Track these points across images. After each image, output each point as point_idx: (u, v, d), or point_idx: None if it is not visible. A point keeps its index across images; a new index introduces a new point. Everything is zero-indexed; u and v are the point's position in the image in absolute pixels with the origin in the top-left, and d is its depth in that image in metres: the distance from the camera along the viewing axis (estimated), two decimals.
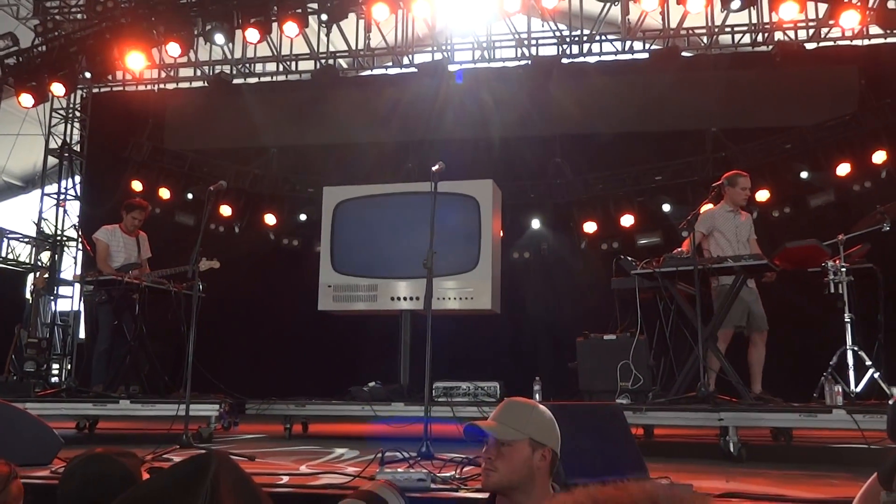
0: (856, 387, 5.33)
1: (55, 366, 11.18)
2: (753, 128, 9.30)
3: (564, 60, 10.26)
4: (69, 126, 11.66)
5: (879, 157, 8.57)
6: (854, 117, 8.80)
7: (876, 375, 5.27)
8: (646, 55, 10.02)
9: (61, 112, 11.65)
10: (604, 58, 10.28)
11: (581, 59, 10.34)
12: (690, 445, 5.93)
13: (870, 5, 8.67)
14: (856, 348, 5.42)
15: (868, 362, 5.33)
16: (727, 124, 9.38)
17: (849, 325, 5.46)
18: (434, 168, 4.97)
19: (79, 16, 10.65)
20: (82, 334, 10.55)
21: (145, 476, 1.97)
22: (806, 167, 8.83)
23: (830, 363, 5.40)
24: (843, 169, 8.69)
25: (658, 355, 5.93)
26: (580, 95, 9.74)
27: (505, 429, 2.23)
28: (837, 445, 5.54)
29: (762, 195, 8.88)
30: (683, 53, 9.89)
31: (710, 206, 6.29)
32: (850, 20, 8.76)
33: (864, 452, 4.65)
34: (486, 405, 5.82)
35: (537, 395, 5.93)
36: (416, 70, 10.55)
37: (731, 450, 4.69)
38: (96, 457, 1.90)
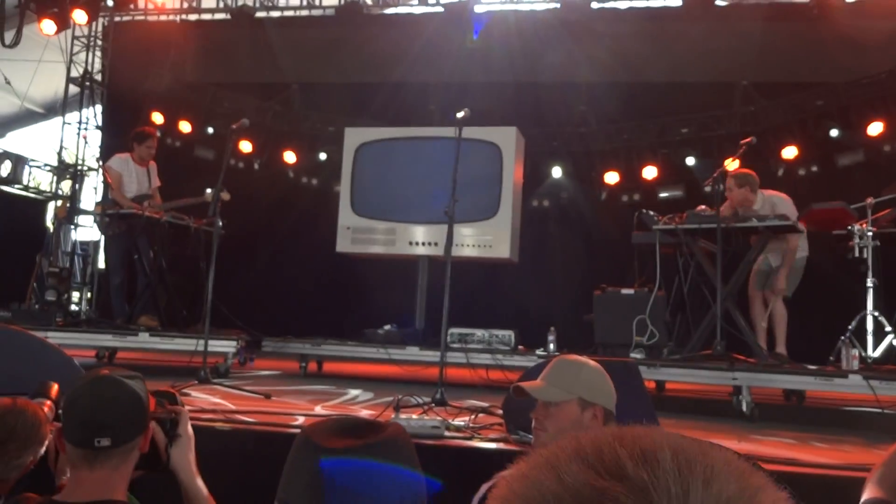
0: (873, 352, 5.30)
1: (75, 295, 11.33)
2: (785, 82, 9.07)
3: (594, 5, 9.99)
4: (91, 54, 11.57)
5: None
6: (890, 75, 8.54)
7: (895, 342, 5.23)
8: (679, 2, 9.73)
9: (83, 40, 11.54)
10: (635, 3, 10.00)
11: (612, 3, 10.06)
12: (702, 402, 5.95)
13: None
14: (876, 313, 5.37)
15: (888, 328, 5.28)
16: (758, 78, 9.15)
17: (871, 290, 5.40)
18: (459, 114, 4.89)
19: None
20: (101, 264, 10.68)
21: (152, 399, 1.94)
22: (836, 125, 8.62)
23: (849, 327, 5.36)
24: (875, 128, 8.47)
25: (675, 312, 5.92)
26: (609, 42, 9.51)
27: (551, 390, 2.22)
28: (849, 409, 5.53)
29: (789, 152, 8.71)
30: (718, 2, 9.60)
31: (737, 162, 6.17)
32: None
33: (877, 417, 4.65)
34: (500, 353, 5.86)
35: (551, 346, 5.95)
36: (441, 10, 10.33)
37: (744, 409, 4.69)
38: (102, 379, 1.83)
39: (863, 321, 5.41)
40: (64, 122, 11.87)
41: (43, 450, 2.01)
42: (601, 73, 9.55)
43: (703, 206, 5.84)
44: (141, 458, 1.85)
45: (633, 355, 5.45)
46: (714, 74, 9.40)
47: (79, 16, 10.09)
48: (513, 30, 9.88)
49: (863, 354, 5.17)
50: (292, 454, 1.20)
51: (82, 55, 11.54)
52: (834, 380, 4.71)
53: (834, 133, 8.62)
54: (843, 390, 4.77)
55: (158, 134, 7.69)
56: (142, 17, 11.47)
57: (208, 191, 6.31)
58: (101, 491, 1.75)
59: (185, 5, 11.26)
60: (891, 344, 5.25)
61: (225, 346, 5.89)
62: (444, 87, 9.61)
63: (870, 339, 5.35)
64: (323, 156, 10.02)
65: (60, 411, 1.87)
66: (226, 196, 6.60)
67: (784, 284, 5.96)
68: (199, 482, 1.96)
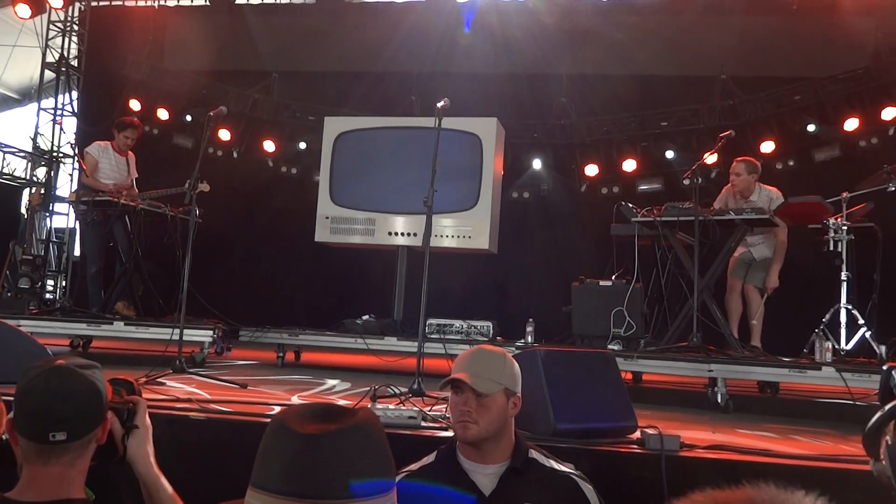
0: (846, 344, 5.35)
1: (50, 283, 11.20)
2: (764, 77, 9.15)
3: None
4: (67, 40, 11.40)
5: (889, 113, 8.43)
6: (867, 71, 8.63)
7: (867, 334, 5.29)
8: None
9: (59, 25, 11.37)
10: None
11: None
12: (677, 393, 6.00)
13: None
14: (849, 307, 5.42)
15: (861, 321, 5.34)
16: (738, 72, 9.22)
17: (845, 284, 5.45)
18: (439, 104, 4.87)
19: None
20: (77, 252, 10.56)
21: (109, 389, 1.84)
22: (814, 120, 8.71)
23: (823, 320, 5.42)
24: (852, 124, 8.57)
25: (652, 304, 5.95)
26: (590, 35, 9.52)
27: (484, 381, 2.23)
28: (823, 400, 5.60)
29: (767, 146, 8.79)
30: None
31: (715, 156, 6.23)
32: None
33: (849, 408, 4.71)
34: (478, 344, 5.85)
35: (530, 337, 5.97)
36: None
37: (719, 401, 4.74)
38: (57, 369, 1.71)
39: (836, 314, 5.45)
40: (39, 108, 11.71)
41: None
42: (582, 66, 9.56)
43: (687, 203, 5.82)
44: (96, 449, 1.78)
45: (610, 347, 5.47)
46: (695, 68, 9.46)
47: (54, 0, 9.96)
48: (495, 21, 9.86)
49: (836, 347, 5.22)
50: (266, 439, 1.20)
51: (58, 40, 11.38)
52: (807, 372, 4.76)
53: (811, 128, 8.70)
54: (817, 382, 4.81)
55: (142, 126, 7.58)
56: (119, 3, 11.32)
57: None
58: (57, 488, 1.68)
59: None
60: (863, 337, 5.31)
61: (201, 335, 5.85)
62: (424, 77, 9.59)
63: (843, 331, 5.40)
64: (303, 145, 9.97)
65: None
66: (205, 187, 6.54)
67: (777, 281, 6.09)
68: (158, 474, 1.90)
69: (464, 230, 6.58)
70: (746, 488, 0.67)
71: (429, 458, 2.36)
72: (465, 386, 2.23)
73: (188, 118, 10.08)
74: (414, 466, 2.33)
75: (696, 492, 0.69)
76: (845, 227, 5.47)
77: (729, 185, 6.38)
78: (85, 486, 1.77)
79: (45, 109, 11.68)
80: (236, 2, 10.72)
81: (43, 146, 11.68)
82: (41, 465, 1.68)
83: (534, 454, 2.31)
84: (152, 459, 1.91)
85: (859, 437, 1.79)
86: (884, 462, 1.57)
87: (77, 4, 11.21)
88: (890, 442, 1.57)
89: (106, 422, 1.81)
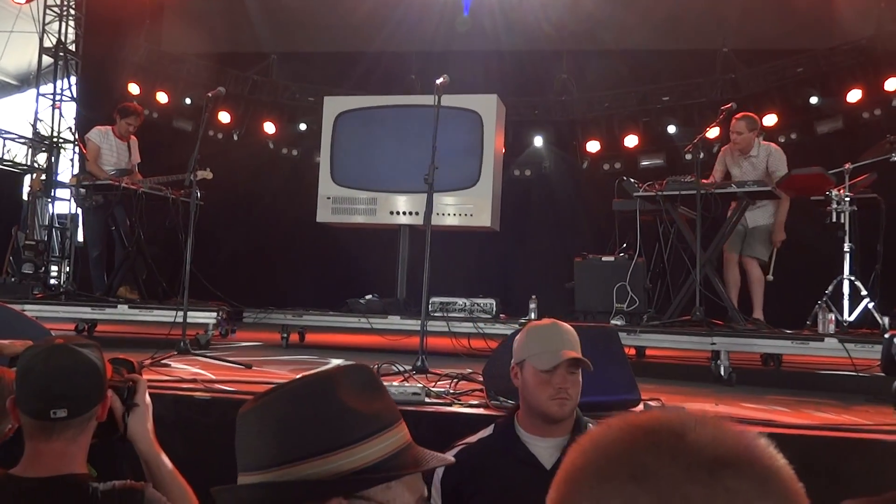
0: (849, 316, 5.35)
1: (53, 268, 11.23)
2: (766, 49, 9.06)
3: None
4: (64, 24, 11.34)
5: (892, 84, 8.36)
6: (869, 42, 8.55)
7: (870, 305, 5.28)
8: None
9: (56, 9, 11.31)
10: None
11: None
12: (681, 367, 6.02)
13: None
14: (852, 278, 5.41)
15: (864, 292, 5.33)
16: (740, 45, 9.14)
17: (847, 255, 5.44)
18: (438, 81, 4.85)
19: None
20: (80, 237, 10.58)
21: (108, 367, 1.87)
22: (816, 92, 8.64)
23: (826, 292, 5.41)
24: (854, 95, 8.51)
25: (655, 278, 5.95)
26: (590, 10, 9.44)
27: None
28: (826, 372, 5.61)
29: (769, 119, 8.73)
30: None
31: (717, 129, 6.20)
32: None
33: (852, 380, 4.72)
34: (481, 321, 5.87)
35: (533, 314, 5.97)
36: None
37: (722, 373, 4.75)
38: (57, 348, 1.75)
39: (839, 286, 5.45)
40: (38, 94, 11.68)
41: None
42: (582, 41, 9.49)
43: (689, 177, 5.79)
44: (97, 426, 1.81)
45: (613, 322, 5.48)
46: (695, 42, 9.38)
47: None
48: None
49: (839, 318, 5.22)
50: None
51: (55, 25, 11.32)
52: (810, 343, 4.77)
53: (814, 100, 8.64)
54: (820, 354, 4.82)
55: (144, 112, 7.55)
56: None
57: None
58: (59, 464, 1.71)
59: None
60: (866, 308, 5.30)
61: (205, 317, 5.86)
62: (424, 55, 9.53)
63: (846, 303, 5.39)
64: (303, 126, 9.94)
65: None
66: (207, 175, 6.53)
67: (784, 234, 6.07)
68: (159, 451, 1.92)
69: (465, 208, 6.57)
70: (654, 410, 0.70)
71: (486, 431, 2.36)
72: (581, 364, 2.25)
73: (188, 101, 10.05)
74: (472, 439, 2.33)
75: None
76: (848, 199, 5.44)
77: (728, 145, 6.35)
78: (88, 464, 1.79)
79: (44, 95, 11.66)
80: None
81: (43, 132, 11.67)
82: (43, 442, 1.71)
83: (591, 427, 2.32)
84: (152, 437, 1.93)
85: (862, 407, 1.80)
86: None
87: None
88: None
89: (106, 399, 1.83)
